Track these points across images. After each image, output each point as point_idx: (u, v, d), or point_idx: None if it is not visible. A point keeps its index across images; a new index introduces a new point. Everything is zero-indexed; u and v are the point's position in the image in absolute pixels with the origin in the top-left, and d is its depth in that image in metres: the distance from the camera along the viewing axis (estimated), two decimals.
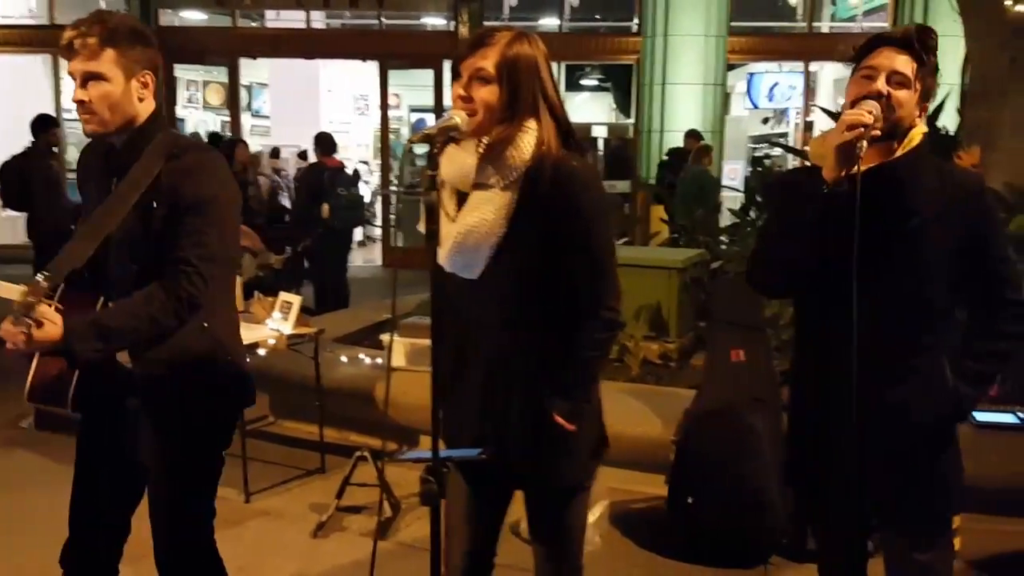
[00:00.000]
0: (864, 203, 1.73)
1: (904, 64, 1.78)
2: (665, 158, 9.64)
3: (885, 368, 1.82)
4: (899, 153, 1.81)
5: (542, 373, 1.83)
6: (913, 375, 1.84)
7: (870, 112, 1.72)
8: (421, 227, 1.79)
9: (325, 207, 7.53)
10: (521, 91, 1.77)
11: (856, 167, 1.71)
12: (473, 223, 1.78)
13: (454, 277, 1.84)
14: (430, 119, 12.99)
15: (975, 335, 1.92)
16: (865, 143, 1.71)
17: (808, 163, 1.97)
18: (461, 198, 1.85)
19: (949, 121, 5.55)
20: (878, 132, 1.73)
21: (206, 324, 2.05)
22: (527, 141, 1.77)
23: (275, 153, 11.98)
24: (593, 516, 3.49)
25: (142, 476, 2.16)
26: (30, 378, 2.05)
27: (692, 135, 9.60)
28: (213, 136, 10.93)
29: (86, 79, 1.95)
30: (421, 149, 1.66)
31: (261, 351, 3.86)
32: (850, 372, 1.76)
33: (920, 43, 1.79)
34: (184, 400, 2.06)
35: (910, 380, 1.84)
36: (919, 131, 1.84)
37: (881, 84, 1.77)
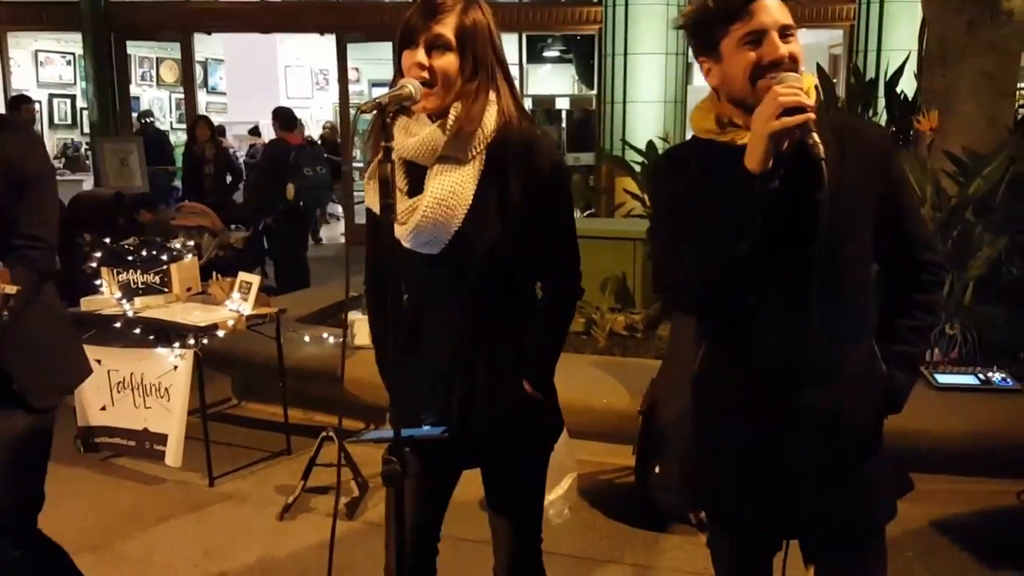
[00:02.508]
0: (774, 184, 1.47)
1: (785, 11, 1.50)
2: None
3: (815, 372, 1.58)
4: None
5: (510, 346, 1.82)
6: (847, 374, 1.60)
7: (801, 87, 1.44)
8: (371, 202, 1.75)
9: (290, 188, 7.39)
10: (479, 60, 1.74)
11: (818, 158, 1.42)
12: (442, 196, 1.73)
13: (410, 254, 1.78)
14: None
15: (897, 313, 1.70)
16: (816, 135, 1.43)
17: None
18: (410, 172, 1.80)
19: (907, 86, 5.58)
20: (813, 115, 1.44)
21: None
22: (491, 112, 1.75)
23: (220, 132, 11.77)
24: (562, 488, 3.49)
25: None
26: None
27: None
28: (144, 113, 10.31)
29: None
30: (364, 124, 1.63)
31: (220, 333, 3.79)
32: (775, 381, 1.58)
33: None
34: (30, 372, 2.05)
35: (845, 380, 1.60)
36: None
37: (782, 47, 1.48)
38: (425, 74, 1.70)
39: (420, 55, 1.71)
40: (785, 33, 1.50)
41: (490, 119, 1.75)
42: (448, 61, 1.71)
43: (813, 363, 1.59)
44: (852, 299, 1.61)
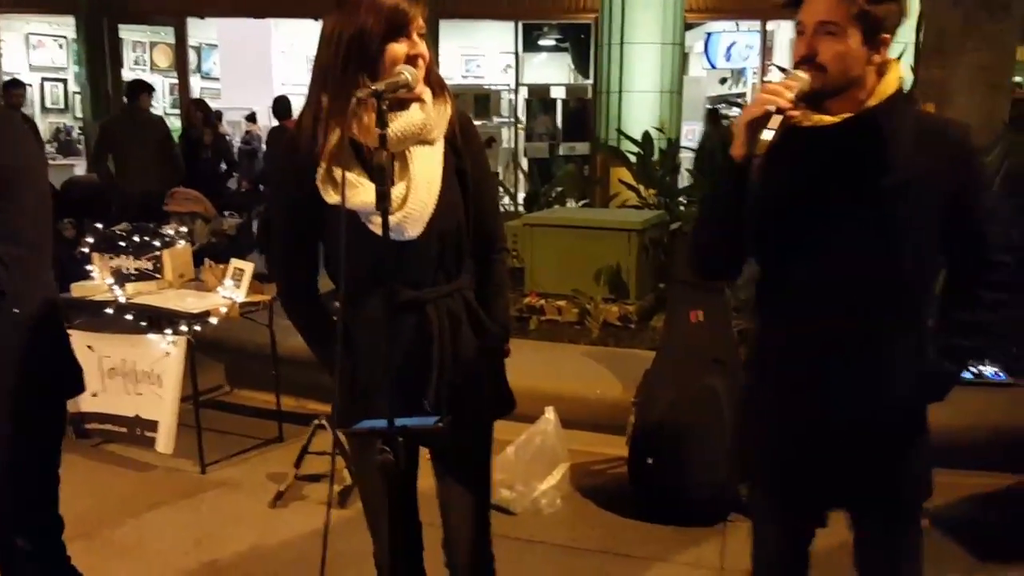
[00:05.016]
0: (832, 161, 1.63)
1: (831, 9, 1.56)
2: None
3: (855, 344, 1.68)
4: (870, 103, 1.62)
5: (474, 318, 1.89)
6: (887, 353, 1.69)
7: (789, 88, 1.56)
8: (367, 196, 1.71)
9: None
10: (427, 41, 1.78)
11: (763, 142, 1.56)
12: (428, 178, 1.76)
13: (384, 244, 1.66)
14: None
15: (956, 306, 1.76)
16: (775, 125, 1.55)
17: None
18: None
19: (904, 79, 5.58)
20: (796, 113, 1.58)
21: (16, 311, 1.86)
22: (448, 96, 1.82)
23: (217, 117, 11.69)
24: (554, 478, 3.50)
25: None
26: None
27: None
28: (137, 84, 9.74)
29: None
30: None
31: (213, 320, 3.77)
32: (815, 347, 1.69)
33: None
34: None
35: (883, 358, 1.68)
36: (894, 75, 1.65)
37: (805, 44, 1.59)
38: (421, 63, 1.72)
39: (420, 45, 1.72)
40: (821, 30, 1.57)
41: (450, 101, 1.82)
42: (425, 46, 1.75)
43: (858, 342, 1.67)
44: (907, 285, 1.68)
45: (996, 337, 3.58)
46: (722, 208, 1.69)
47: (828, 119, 1.62)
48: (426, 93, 1.77)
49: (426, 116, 1.75)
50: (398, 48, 1.70)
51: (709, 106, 11.55)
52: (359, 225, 1.74)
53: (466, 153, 1.85)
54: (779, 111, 1.55)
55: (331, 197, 1.73)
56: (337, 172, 1.70)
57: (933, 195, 1.63)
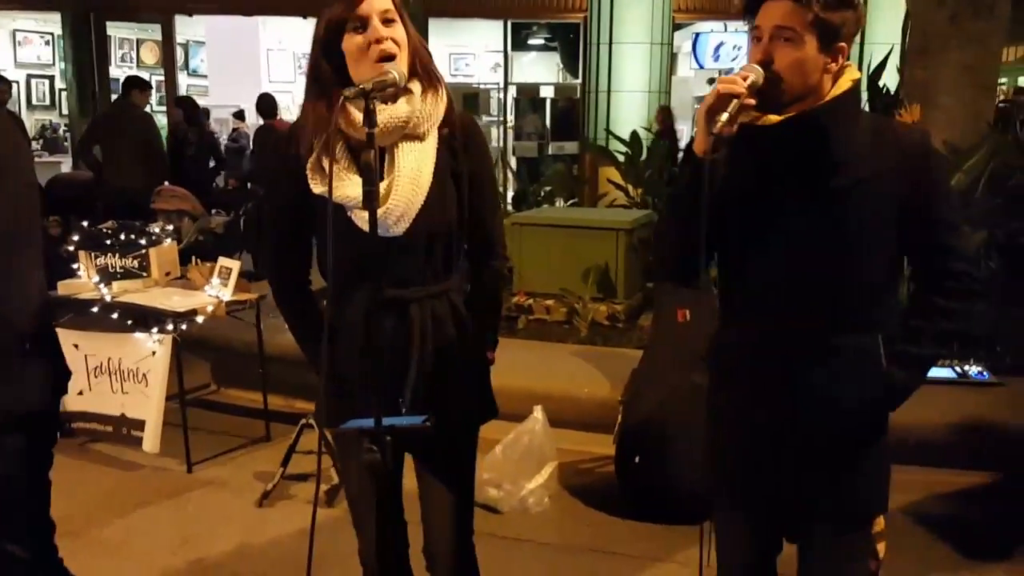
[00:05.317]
0: (781, 160, 1.63)
1: (788, 15, 1.55)
2: None
3: (808, 347, 1.66)
4: (822, 102, 1.61)
5: (460, 321, 1.87)
6: (839, 356, 1.66)
7: (745, 78, 1.54)
8: (352, 190, 1.72)
9: None
10: (410, 32, 1.75)
11: (718, 133, 1.53)
12: (413, 174, 1.74)
13: (369, 239, 1.64)
14: None
15: (914, 313, 1.73)
16: (732, 110, 1.53)
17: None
18: (357, 155, 1.77)
19: (890, 80, 5.60)
20: (752, 101, 1.56)
21: None
22: (442, 91, 1.79)
23: (205, 115, 11.63)
24: (542, 476, 3.50)
25: None
26: None
27: None
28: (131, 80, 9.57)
29: None
30: None
31: (200, 318, 3.76)
32: (769, 349, 1.68)
33: None
34: None
35: (835, 362, 1.66)
36: (846, 79, 1.64)
37: (762, 50, 1.58)
38: (389, 45, 1.68)
39: (383, 30, 1.68)
40: (779, 35, 1.57)
41: (443, 97, 1.79)
42: (398, 31, 1.71)
43: (810, 344, 1.67)
44: (859, 289, 1.66)
45: (954, 347, 3.64)
46: (686, 206, 1.66)
47: (773, 118, 1.61)
48: (415, 85, 1.74)
49: (412, 109, 1.72)
50: (355, 39, 1.68)
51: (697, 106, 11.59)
52: (346, 219, 1.73)
53: (464, 155, 1.82)
54: (735, 96, 1.54)
55: (318, 187, 1.74)
56: (326, 162, 1.69)
57: (887, 198, 1.62)
